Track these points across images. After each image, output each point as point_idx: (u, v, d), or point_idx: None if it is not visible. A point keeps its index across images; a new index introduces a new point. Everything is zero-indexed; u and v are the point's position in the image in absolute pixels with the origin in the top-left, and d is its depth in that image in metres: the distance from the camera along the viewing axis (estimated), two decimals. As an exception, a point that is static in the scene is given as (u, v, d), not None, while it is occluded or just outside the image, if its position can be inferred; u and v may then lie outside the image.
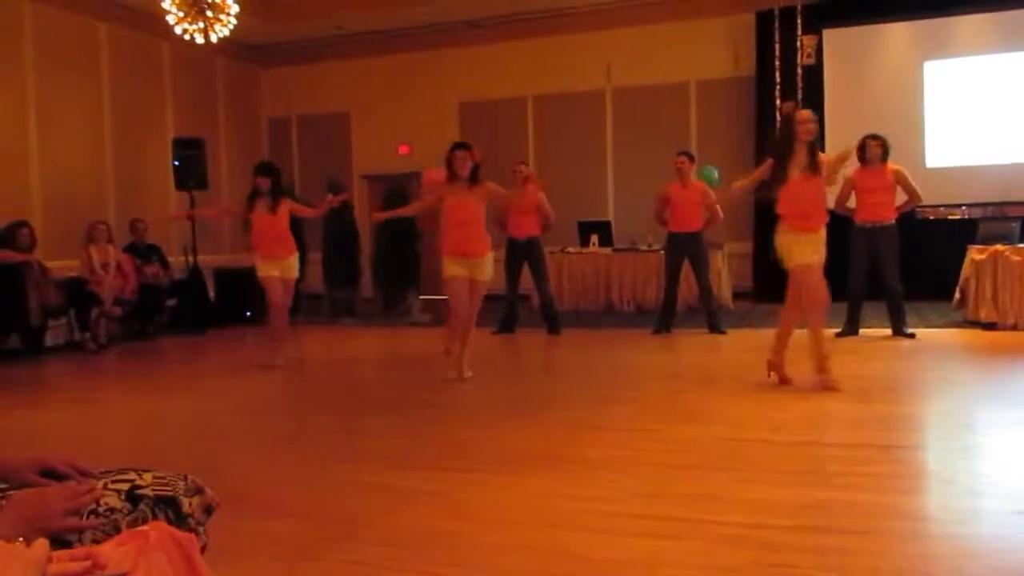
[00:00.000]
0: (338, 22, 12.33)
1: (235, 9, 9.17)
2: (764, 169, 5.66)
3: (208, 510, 1.61)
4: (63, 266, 9.30)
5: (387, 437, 4.77)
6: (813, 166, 5.46)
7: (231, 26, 9.27)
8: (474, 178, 6.09)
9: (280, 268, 7.28)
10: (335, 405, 5.84)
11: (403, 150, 13.02)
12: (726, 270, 10.55)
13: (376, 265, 11.18)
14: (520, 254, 8.81)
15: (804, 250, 5.45)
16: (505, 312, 8.98)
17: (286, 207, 7.32)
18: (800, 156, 5.49)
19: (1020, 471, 3.72)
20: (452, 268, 6.11)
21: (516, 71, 12.51)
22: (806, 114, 5.59)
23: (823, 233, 5.54)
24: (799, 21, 10.98)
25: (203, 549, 1.51)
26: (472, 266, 6.09)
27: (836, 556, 2.79)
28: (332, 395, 6.23)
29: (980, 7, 10.34)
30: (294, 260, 7.36)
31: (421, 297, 10.99)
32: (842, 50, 10.95)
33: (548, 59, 12.32)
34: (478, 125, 12.80)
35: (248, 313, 10.78)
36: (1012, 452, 4.06)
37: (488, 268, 6.18)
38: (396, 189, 10.96)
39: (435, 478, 3.83)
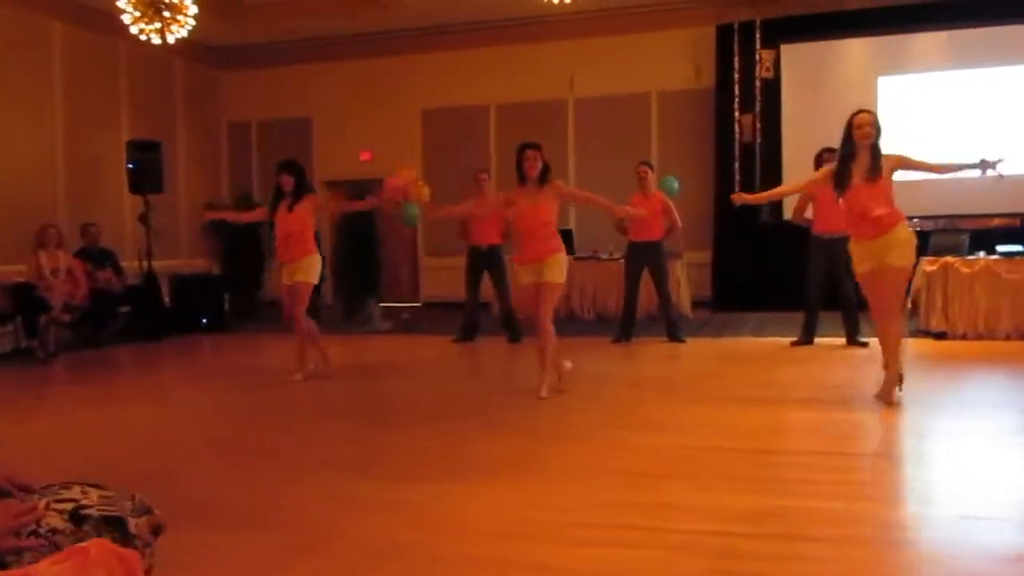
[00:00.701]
0: (300, 25, 12.23)
1: (194, 10, 9.04)
2: (816, 179, 5.55)
3: (156, 531, 1.57)
4: (11, 271, 9.07)
5: (349, 447, 4.73)
6: (874, 171, 5.22)
7: (189, 27, 9.13)
8: (544, 179, 5.83)
9: (288, 273, 6.78)
10: (296, 415, 5.78)
11: (365, 156, 12.95)
12: (685, 279, 10.64)
13: (336, 271, 11.10)
14: (482, 262, 8.80)
15: (860, 258, 5.32)
16: (465, 320, 8.97)
17: (308, 205, 6.73)
18: (862, 161, 5.26)
19: (970, 478, 3.79)
20: (524, 277, 5.84)
21: (480, 79, 12.52)
22: (863, 118, 5.32)
23: (888, 238, 5.20)
24: (758, 35, 11.14)
25: (148, 572, 1.48)
26: (542, 268, 5.75)
27: (792, 563, 2.82)
28: (292, 405, 6.16)
29: (933, 25, 10.58)
30: (305, 262, 6.70)
31: (382, 304, 10.92)
32: (799, 64, 11.14)
33: (512, 68, 12.35)
34: (441, 132, 12.81)
35: (204, 320, 10.62)
36: (962, 459, 4.14)
37: (557, 269, 5.77)
38: (357, 195, 10.87)
39: (397, 488, 3.81)
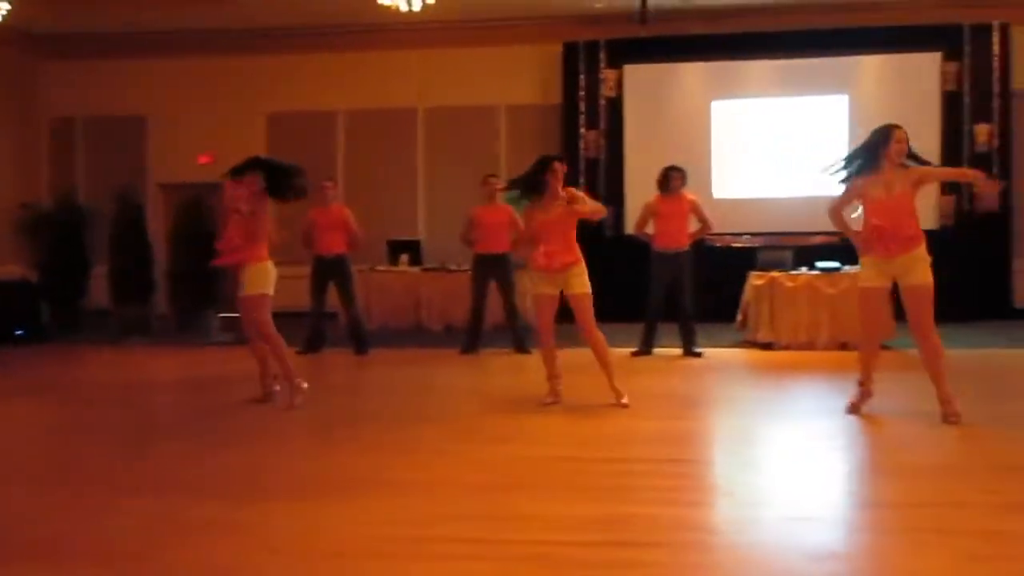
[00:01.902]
0: (135, 16, 11.52)
1: (10, -9, 8.38)
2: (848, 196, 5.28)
3: None
4: None
5: (179, 466, 4.49)
6: (893, 187, 5.04)
7: (5, 11, 8.41)
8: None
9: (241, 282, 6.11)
10: (119, 432, 5.43)
11: (204, 159, 12.39)
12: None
13: (172, 280, 10.56)
14: (327, 271, 8.62)
15: (867, 272, 5.18)
16: (310, 331, 8.74)
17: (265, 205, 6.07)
18: (886, 175, 5.07)
19: (793, 481, 4.04)
20: (545, 287, 5.74)
21: (328, 84, 12.26)
22: (902, 133, 5.10)
23: (907, 258, 5.03)
24: (602, 55, 11.52)
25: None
26: (566, 278, 5.68)
27: (633, 569, 2.91)
28: (117, 421, 5.78)
29: (762, 54, 11.29)
30: (250, 271, 6.06)
31: (221, 315, 10.47)
32: (641, 85, 11.59)
33: (361, 74, 12.18)
34: (286, 138, 12.41)
35: (20, 331, 9.83)
36: (787, 464, 4.41)
37: (584, 279, 5.70)
38: (195, 200, 10.43)
39: (227, 508, 3.64)
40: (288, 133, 12.34)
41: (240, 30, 12.03)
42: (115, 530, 3.38)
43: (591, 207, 5.76)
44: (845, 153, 5.47)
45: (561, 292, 5.77)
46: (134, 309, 10.47)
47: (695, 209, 8.23)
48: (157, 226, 11.87)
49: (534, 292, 5.84)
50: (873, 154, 5.11)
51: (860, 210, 5.26)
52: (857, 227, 5.28)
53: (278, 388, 6.10)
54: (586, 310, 5.71)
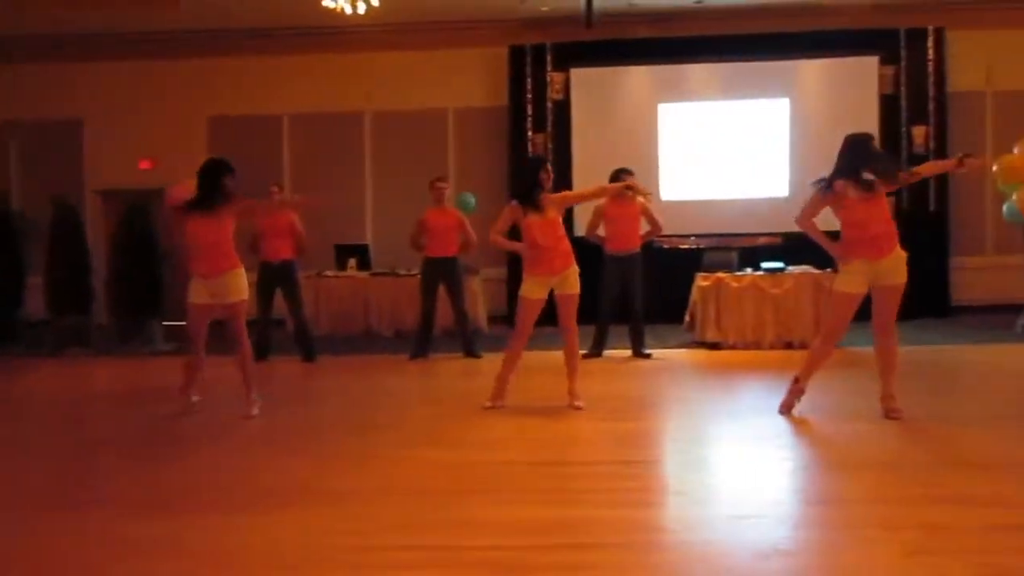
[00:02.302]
0: (69, 17, 11.20)
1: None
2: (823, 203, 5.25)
3: None
4: None
5: (118, 480, 4.37)
6: (870, 188, 5.07)
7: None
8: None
9: (209, 289, 5.74)
10: (54, 446, 5.26)
11: (145, 164, 12.14)
12: (482, 295, 10.80)
13: (112, 289, 10.30)
14: (273, 278, 8.48)
15: (851, 278, 5.15)
16: (257, 339, 8.59)
17: (231, 210, 5.73)
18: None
19: (740, 480, 4.08)
20: (536, 291, 5.80)
21: (272, 88, 12.08)
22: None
23: (885, 262, 5.09)
24: (549, 58, 11.56)
25: None
26: (562, 280, 5.80)
27: (579, 572, 2.91)
28: (51, 435, 5.61)
29: (706, 58, 11.44)
30: (227, 277, 5.70)
31: (164, 324, 10.24)
32: (588, 88, 11.65)
33: (306, 78, 12.02)
34: (230, 142, 12.18)
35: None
36: (734, 463, 4.46)
37: (576, 279, 5.83)
38: (137, 206, 10.18)
39: (169, 522, 3.55)
40: (231, 137, 12.12)
41: (180, 32, 11.80)
42: (51, 548, 3.27)
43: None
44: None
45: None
46: (72, 319, 10.18)
47: (645, 211, 8.30)
48: (96, 233, 11.59)
49: (527, 296, 5.83)
50: (860, 162, 5.13)
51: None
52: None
53: (197, 399, 5.95)
54: (575, 309, 5.87)
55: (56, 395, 7.28)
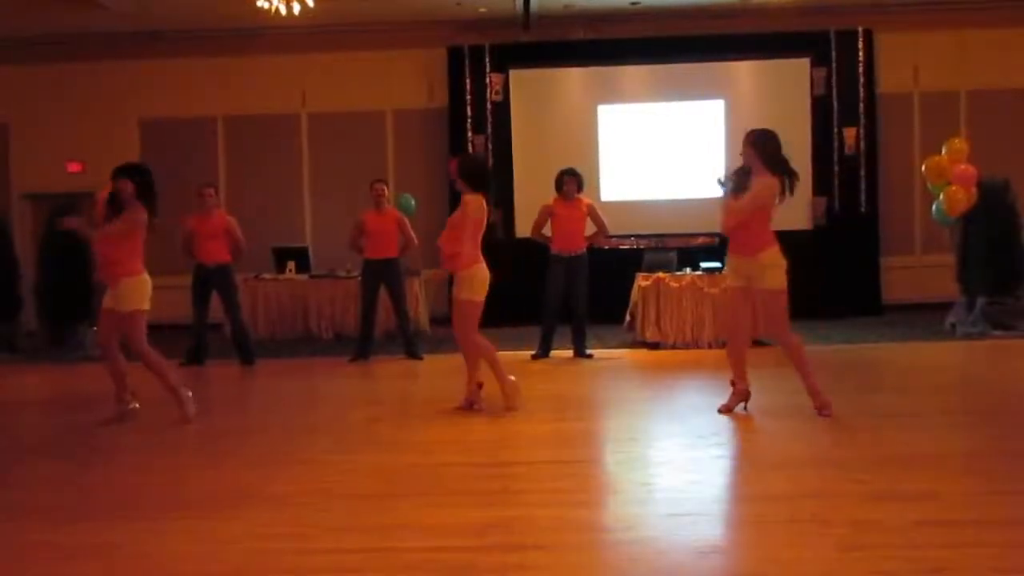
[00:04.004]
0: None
1: None
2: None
3: None
4: None
5: (46, 488, 4.25)
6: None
7: None
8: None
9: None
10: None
11: (73, 168, 11.81)
12: (423, 296, 10.74)
13: (41, 295, 9.98)
14: (209, 280, 8.33)
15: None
16: (193, 342, 8.43)
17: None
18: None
19: (676, 478, 4.11)
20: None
21: (205, 89, 11.84)
22: None
23: (755, 259, 5.26)
24: (487, 60, 11.55)
25: None
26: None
27: (517, 572, 2.90)
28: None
29: (643, 60, 11.54)
30: (124, 285, 5.62)
31: (94, 329, 9.96)
32: (527, 90, 11.67)
33: (240, 79, 11.81)
34: (162, 144, 11.92)
35: None
36: (670, 462, 4.49)
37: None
38: (65, 206, 9.87)
39: (103, 530, 3.46)
40: (163, 139, 11.85)
41: (110, 34, 11.49)
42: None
43: None
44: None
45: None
46: (0, 326, 9.85)
47: (592, 213, 8.31)
48: (24, 238, 11.23)
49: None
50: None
51: None
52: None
53: (136, 406, 5.79)
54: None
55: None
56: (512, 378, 5.70)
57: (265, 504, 3.75)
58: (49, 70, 11.83)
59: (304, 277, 10.71)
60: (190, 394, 5.68)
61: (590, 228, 8.37)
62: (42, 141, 11.89)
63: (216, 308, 8.51)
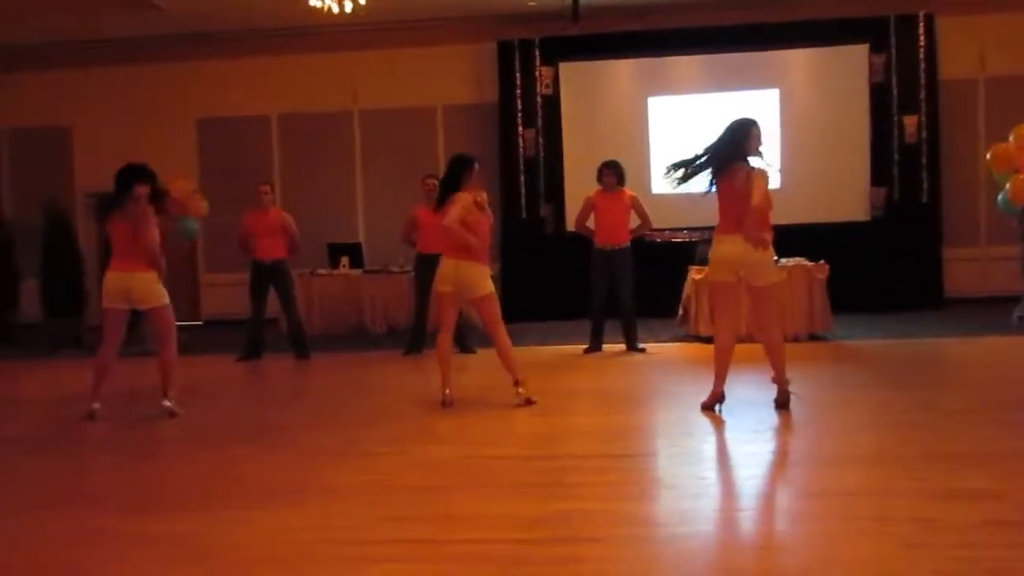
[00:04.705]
0: (55, 26, 11.20)
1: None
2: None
3: None
4: None
5: (109, 478, 4.36)
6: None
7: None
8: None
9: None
10: (48, 446, 5.25)
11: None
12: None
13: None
14: (266, 276, 8.47)
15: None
16: (250, 337, 8.58)
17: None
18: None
19: (732, 473, 4.07)
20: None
21: (259, 89, 12.05)
22: None
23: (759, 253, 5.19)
24: (537, 53, 11.53)
25: None
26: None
27: (571, 565, 2.89)
28: (46, 435, 5.59)
29: (694, 50, 11.40)
30: (141, 280, 5.73)
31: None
32: (577, 82, 11.63)
33: (293, 77, 11.99)
34: (218, 143, 12.20)
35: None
36: (726, 456, 4.44)
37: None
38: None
39: (165, 519, 3.55)
40: (219, 138, 12.12)
41: (167, 36, 11.76)
42: (51, 545, 3.26)
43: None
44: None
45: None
46: (67, 321, 10.16)
47: (635, 205, 8.27)
48: (88, 236, 11.55)
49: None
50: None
51: None
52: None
53: (97, 406, 5.81)
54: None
55: (49, 396, 7.24)
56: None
57: (322, 495, 3.81)
58: (109, 73, 12.16)
59: (358, 272, 10.83)
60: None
61: (635, 221, 8.32)
62: (104, 142, 12.18)
63: (272, 303, 8.65)
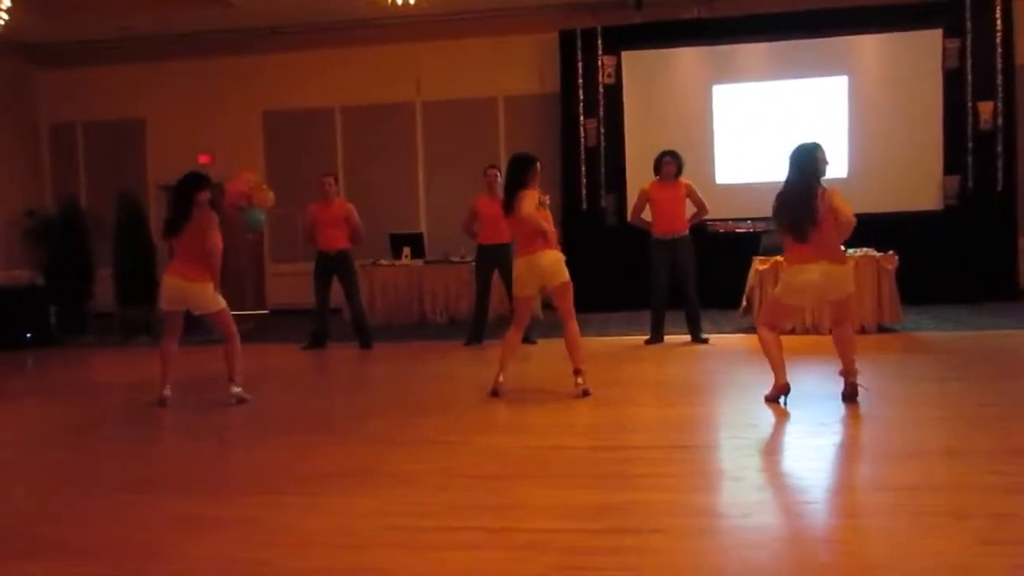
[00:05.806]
0: (129, 22, 11.56)
1: (6, 3, 8.36)
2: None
3: None
4: None
5: (182, 463, 4.50)
6: None
7: (2, 21, 8.44)
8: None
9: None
10: (123, 432, 5.44)
11: (204, 159, 12.41)
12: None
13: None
14: (330, 267, 8.61)
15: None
16: (315, 327, 8.74)
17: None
18: None
19: (798, 465, 4.01)
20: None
21: (323, 81, 12.25)
22: None
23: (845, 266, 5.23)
24: (599, 42, 11.45)
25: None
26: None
27: (634, 555, 2.88)
28: (120, 421, 5.79)
29: (760, 37, 11.19)
30: (198, 288, 5.79)
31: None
32: (639, 71, 11.52)
33: (356, 69, 12.16)
34: (283, 135, 12.45)
35: (29, 335, 9.85)
36: (791, 448, 4.38)
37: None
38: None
39: (235, 503, 3.64)
40: (285, 131, 12.37)
41: (234, 30, 12.03)
42: (127, 528, 3.37)
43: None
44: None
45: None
46: (139, 310, 10.47)
47: (691, 194, 8.18)
48: (159, 227, 11.87)
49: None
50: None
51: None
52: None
53: (168, 392, 5.95)
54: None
55: (124, 382, 7.49)
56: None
57: (387, 482, 3.86)
58: (180, 67, 12.49)
59: (419, 263, 10.93)
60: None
61: (691, 210, 8.24)
62: (175, 134, 12.56)
63: (336, 293, 8.79)
